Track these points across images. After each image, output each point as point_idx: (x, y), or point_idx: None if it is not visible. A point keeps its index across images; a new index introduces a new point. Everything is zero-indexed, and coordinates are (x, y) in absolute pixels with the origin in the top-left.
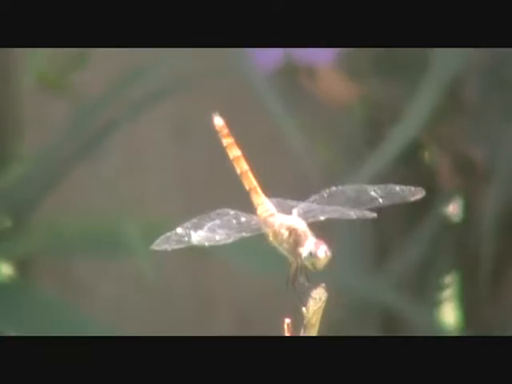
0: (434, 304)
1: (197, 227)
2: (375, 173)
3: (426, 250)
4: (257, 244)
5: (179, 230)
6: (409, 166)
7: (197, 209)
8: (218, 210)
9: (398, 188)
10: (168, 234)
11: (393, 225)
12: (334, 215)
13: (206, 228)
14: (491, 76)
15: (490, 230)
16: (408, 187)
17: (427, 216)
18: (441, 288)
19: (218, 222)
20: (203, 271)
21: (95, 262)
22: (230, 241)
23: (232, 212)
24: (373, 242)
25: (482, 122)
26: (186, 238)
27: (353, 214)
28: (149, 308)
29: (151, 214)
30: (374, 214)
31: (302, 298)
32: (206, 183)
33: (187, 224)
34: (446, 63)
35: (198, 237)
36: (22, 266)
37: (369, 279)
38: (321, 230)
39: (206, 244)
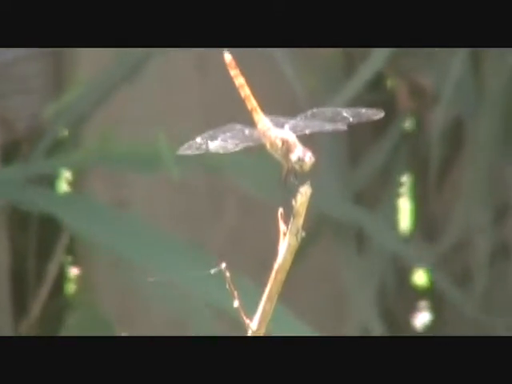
0: (394, 198)
1: (212, 137)
2: (349, 98)
3: (389, 156)
4: (256, 162)
5: (198, 139)
6: (375, 93)
7: (213, 125)
8: (228, 125)
9: (363, 110)
10: (190, 142)
11: (362, 137)
12: (316, 129)
13: (219, 139)
14: None
15: (437, 140)
16: (371, 109)
17: (389, 130)
18: (399, 185)
19: (228, 134)
20: (211, 178)
21: (135, 172)
22: (238, 149)
23: (238, 126)
24: (347, 150)
25: (430, 57)
26: (204, 146)
27: (329, 127)
28: (175, 200)
29: (176, 130)
30: (345, 127)
31: (292, 192)
32: (220, 106)
33: (205, 134)
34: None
35: (213, 145)
36: (78, 173)
37: (340, 188)
38: (307, 141)
39: (221, 151)
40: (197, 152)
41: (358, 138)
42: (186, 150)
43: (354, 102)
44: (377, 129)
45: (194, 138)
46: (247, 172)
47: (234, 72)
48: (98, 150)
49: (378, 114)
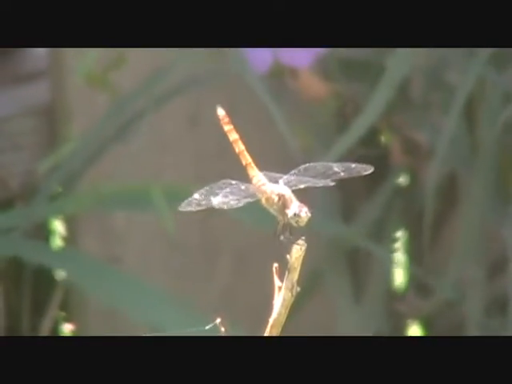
0: (388, 253)
1: (211, 193)
2: (342, 153)
3: (382, 211)
4: (253, 206)
5: (196, 195)
6: (369, 148)
7: (205, 179)
8: (223, 180)
9: (353, 165)
10: (189, 198)
11: (356, 192)
12: (308, 184)
13: (221, 195)
14: (433, 76)
15: (431, 195)
16: (361, 164)
17: (383, 185)
18: (392, 240)
19: (228, 189)
20: (211, 225)
21: (128, 216)
22: (241, 205)
23: (234, 182)
24: (341, 205)
25: (425, 112)
26: (204, 202)
27: (319, 182)
28: (167, 252)
29: (170, 182)
30: (333, 183)
31: (287, 247)
32: (212, 160)
33: (202, 191)
34: (397, 65)
35: (216, 201)
36: (71, 223)
37: (337, 228)
38: (302, 195)
39: (225, 207)
40: (198, 208)
41: (352, 193)
42: (186, 206)
43: (348, 157)
44: (371, 184)
45: (186, 194)
46: (246, 211)
47: (228, 127)
48: (90, 196)
49: (368, 169)
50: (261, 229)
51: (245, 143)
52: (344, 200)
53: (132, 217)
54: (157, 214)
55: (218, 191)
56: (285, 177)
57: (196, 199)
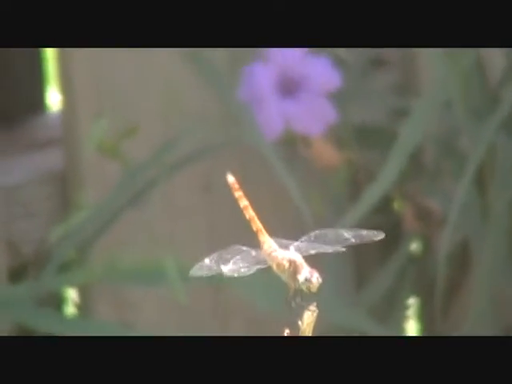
0: (400, 321)
1: (222, 259)
2: (355, 221)
3: (394, 278)
4: (262, 278)
5: (207, 260)
6: (382, 215)
7: (219, 247)
8: (234, 246)
9: (364, 232)
10: (200, 263)
11: (369, 259)
12: (319, 250)
13: (231, 262)
14: (444, 143)
15: (443, 263)
16: (372, 231)
17: (395, 252)
18: (405, 308)
19: (238, 256)
20: (223, 291)
21: (141, 288)
22: (252, 272)
23: (244, 248)
24: (353, 271)
25: (437, 180)
26: (215, 267)
27: (330, 248)
28: (179, 324)
29: (183, 252)
30: (343, 249)
31: (299, 313)
32: (225, 227)
33: (212, 256)
34: (410, 133)
35: (227, 269)
36: (84, 291)
37: (347, 305)
38: (312, 262)
39: (236, 275)
40: (209, 274)
41: (364, 260)
42: (197, 271)
43: (361, 225)
44: (384, 250)
45: (201, 260)
46: (255, 288)
47: (238, 194)
48: (103, 267)
49: (379, 235)
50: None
51: (256, 209)
52: (357, 266)
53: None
54: (170, 287)
55: (228, 256)
56: (295, 243)
57: (207, 265)
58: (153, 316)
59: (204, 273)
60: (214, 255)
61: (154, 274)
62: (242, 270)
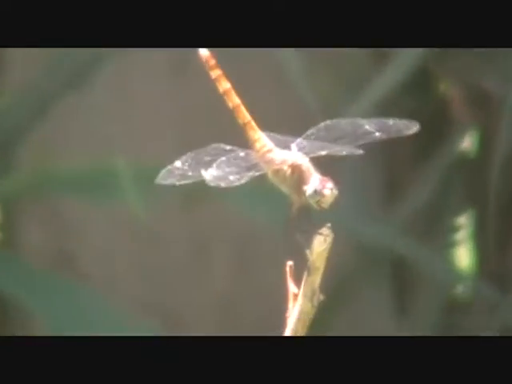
0: (447, 247)
1: (199, 162)
2: (377, 102)
3: (438, 189)
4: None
5: (178, 163)
6: (418, 97)
7: (189, 149)
8: (214, 145)
9: (391, 121)
10: (168, 167)
11: (402, 162)
12: (331, 150)
13: (214, 165)
14: None
15: (503, 162)
16: (402, 121)
17: (438, 152)
18: (453, 230)
19: (224, 158)
20: (197, 213)
21: (84, 204)
22: (243, 181)
23: (228, 147)
24: (380, 180)
25: (493, 55)
26: (191, 173)
27: (345, 149)
28: (140, 253)
29: (143, 153)
30: (361, 151)
31: (306, 239)
32: (197, 123)
33: (186, 157)
34: None
35: (210, 175)
36: (9, 206)
37: (376, 222)
38: (323, 168)
39: (223, 185)
40: (183, 181)
41: (397, 161)
42: (166, 178)
43: (386, 112)
44: (422, 151)
45: (169, 163)
46: (247, 202)
47: (215, 73)
48: (32, 175)
49: (412, 127)
50: (266, 216)
51: (244, 97)
52: (384, 175)
53: (91, 209)
54: (124, 199)
55: (207, 159)
56: (299, 140)
57: (179, 168)
58: (99, 245)
59: (176, 179)
60: (188, 156)
61: (101, 183)
62: (231, 177)
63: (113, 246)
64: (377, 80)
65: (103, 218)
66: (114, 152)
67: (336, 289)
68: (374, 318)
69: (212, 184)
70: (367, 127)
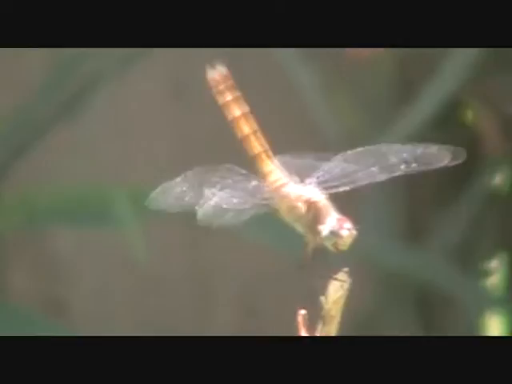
0: (479, 286)
1: (200, 184)
2: (405, 136)
3: (468, 227)
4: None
5: (177, 180)
6: (447, 129)
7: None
8: (227, 165)
9: (434, 148)
10: (164, 185)
11: (429, 197)
12: (354, 183)
13: (217, 189)
14: None
15: None
16: (447, 147)
17: (469, 187)
18: (485, 273)
19: (230, 181)
20: (202, 252)
21: (75, 237)
22: (248, 211)
23: (243, 171)
24: (406, 216)
25: None
26: (189, 198)
27: (372, 175)
28: (137, 295)
29: (141, 180)
30: (383, 177)
31: (320, 284)
32: (202, 148)
33: (185, 177)
34: None
35: (213, 196)
36: None
37: (403, 256)
38: (344, 201)
39: (224, 206)
40: (178, 207)
41: (423, 197)
42: (159, 199)
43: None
44: (452, 183)
45: (169, 180)
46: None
47: (229, 96)
48: (20, 207)
49: (457, 157)
50: (280, 252)
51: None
52: (411, 210)
53: (83, 239)
54: (120, 232)
55: (215, 180)
56: (318, 174)
57: (177, 192)
58: (94, 288)
59: (172, 204)
60: (188, 175)
61: (94, 210)
62: (235, 201)
63: (108, 286)
64: (404, 111)
65: (97, 254)
66: (109, 176)
67: (361, 325)
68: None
69: (211, 218)
70: (404, 155)
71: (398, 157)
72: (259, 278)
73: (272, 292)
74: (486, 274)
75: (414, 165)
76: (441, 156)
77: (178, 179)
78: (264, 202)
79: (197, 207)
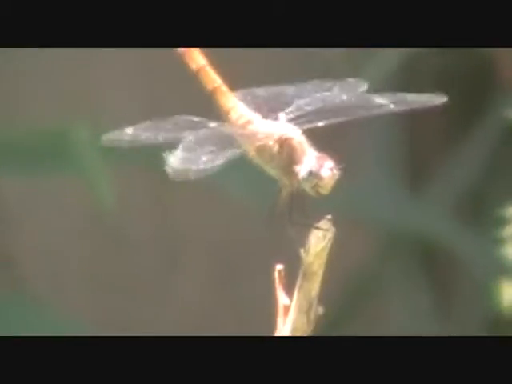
0: (491, 241)
1: (157, 129)
2: (404, 60)
3: (479, 170)
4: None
5: (129, 131)
6: (454, 56)
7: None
8: (178, 116)
9: (409, 97)
10: (117, 132)
11: (433, 135)
12: (332, 118)
13: (180, 147)
14: None
15: None
16: (424, 95)
17: (480, 123)
18: (499, 221)
19: (191, 137)
20: (171, 202)
21: (26, 180)
22: (219, 162)
23: (196, 119)
24: (405, 156)
25: None
26: (146, 135)
27: (353, 112)
28: (97, 254)
29: (104, 115)
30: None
31: (299, 235)
32: (159, 86)
33: (142, 126)
34: None
35: (176, 160)
36: None
37: (404, 207)
38: (325, 139)
39: (193, 168)
40: (135, 143)
41: (427, 134)
42: (114, 139)
43: (415, 69)
44: (461, 119)
45: (121, 128)
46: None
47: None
48: None
49: (437, 101)
50: (252, 204)
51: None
52: (413, 150)
53: (33, 189)
54: (81, 176)
55: (169, 127)
56: (290, 107)
57: (130, 134)
58: (45, 244)
59: (125, 141)
60: (145, 125)
61: (52, 153)
62: (204, 157)
63: (62, 241)
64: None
65: (51, 203)
66: (70, 113)
67: (359, 287)
68: (405, 318)
69: (179, 170)
70: (379, 100)
71: (376, 101)
72: (231, 232)
73: (245, 248)
74: (499, 224)
75: (393, 107)
76: (426, 98)
77: (129, 130)
78: (231, 146)
79: (165, 155)
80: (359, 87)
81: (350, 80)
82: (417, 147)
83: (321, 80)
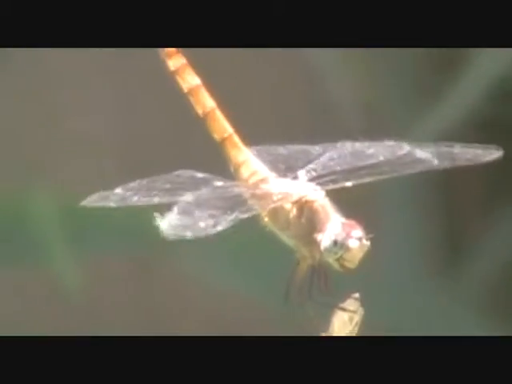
0: None
1: (150, 189)
2: (442, 128)
3: None
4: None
5: (119, 190)
6: (490, 125)
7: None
8: (178, 172)
9: (458, 149)
10: (102, 194)
11: (474, 200)
12: (361, 179)
13: (176, 209)
14: None
15: None
16: (482, 145)
17: None
18: None
19: (190, 198)
20: (150, 286)
21: None
22: (222, 228)
23: (200, 176)
24: (444, 229)
25: None
26: (136, 198)
27: (377, 172)
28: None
29: (73, 189)
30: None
31: (318, 317)
32: (152, 139)
33: (132, 184)
34: None
35: (169, 223)
36: None
37: (434, 287)
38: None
39: (188, 236)
40: (121, 204)
41: (467, 200)
42: (96, 202)
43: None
44: (504, 183)
45: (106, 189)
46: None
47: (178, 63)
48: None
49: (493, 153)
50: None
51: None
52: (449, 223)
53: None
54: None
55: (167, 186)
56: (310, 166)
57: (118, 195)
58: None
59: (111, 202)
60: (137, 183)
61: (9, 225)
62: (201, 224)
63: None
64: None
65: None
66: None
67: None
68: None
69: (171, 236)
70: (420, 156)
71: (425, 151)
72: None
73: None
74: None
75: (437, 163)
76: (475, 154)
77: (119, 189)
78: (239, 208)
79: (156, 215)
80: (399, 151)
81: (389, 143)
82: (453, 211)
83: (354, 141)
